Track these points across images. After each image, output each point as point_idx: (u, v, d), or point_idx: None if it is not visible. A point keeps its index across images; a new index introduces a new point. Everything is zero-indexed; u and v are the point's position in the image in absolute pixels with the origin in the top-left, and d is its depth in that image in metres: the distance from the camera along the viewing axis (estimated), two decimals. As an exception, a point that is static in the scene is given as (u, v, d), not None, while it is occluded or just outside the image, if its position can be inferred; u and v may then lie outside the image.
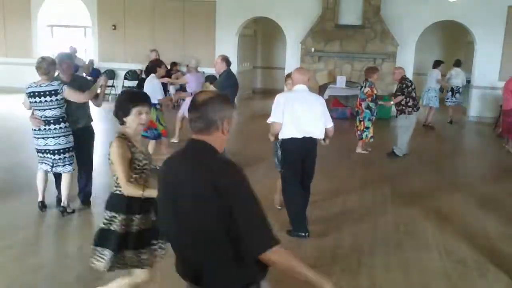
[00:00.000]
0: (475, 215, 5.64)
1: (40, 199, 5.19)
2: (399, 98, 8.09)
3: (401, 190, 6.51)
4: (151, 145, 7.00)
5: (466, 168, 8.28)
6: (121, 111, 2.97)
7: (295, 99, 4.69)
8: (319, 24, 12.53)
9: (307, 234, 4.74)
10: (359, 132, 8.43)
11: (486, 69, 12.08)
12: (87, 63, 13.55)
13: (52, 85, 4.78)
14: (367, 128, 8.31)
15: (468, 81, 12.96)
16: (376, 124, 8.55)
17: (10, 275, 3.91)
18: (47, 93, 4.77)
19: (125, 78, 14.22)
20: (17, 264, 4.11)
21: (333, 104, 12.45)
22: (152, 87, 6.81)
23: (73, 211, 5.19)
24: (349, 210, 5.66)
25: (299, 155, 4.76)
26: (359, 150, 8.55)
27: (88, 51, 15.21)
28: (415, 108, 8.10)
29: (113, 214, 2.91)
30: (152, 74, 7.05)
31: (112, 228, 2.89)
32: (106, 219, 2.93)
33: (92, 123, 5.45)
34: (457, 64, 11.91)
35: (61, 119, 4.90)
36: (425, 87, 11.67)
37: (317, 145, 4.87)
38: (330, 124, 4.79)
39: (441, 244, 4.75)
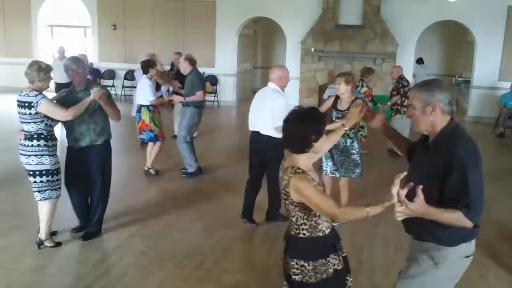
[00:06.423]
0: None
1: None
2: (395, 98, 8.05)
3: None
4: (150, 147, 6.83)
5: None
6: (315, 134, 2.36)
7: (256, 95, 4.99)
8: (319, 24, 12.53)
9: (245, 220, 5.05)
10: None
11: (486, 69, 12.10)
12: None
13: (29, 95, 4.06)
14: (362, 127, 8.29)
15: (468, 81, 12.99)
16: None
17: (10, 275, 3.91)
18: (22, 104, 4.08)
19: (125, 78, 14.23)
20: (17, 264, 4.12)
21: (333, 104, 12.45)
22: (143, 88, 6.61)
23: (58, 244, 4.44)
24: (349, 210, 5.64)
25: (251, 148, 5.04)
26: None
27: (88, 51, 15.21)
28: None
29: (303, 263, 2.45)
30: (144, 75, 6.71)
31: (304, 280, 2.44)
32: (296, 268, 2.45)
33: (102, 141, 4.50)
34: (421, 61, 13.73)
35: (36, 136, 4.13)
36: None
37: (275, 144, 4.47)
38: (276, 124, 4.47)
39: (441, 244, 4.75)
